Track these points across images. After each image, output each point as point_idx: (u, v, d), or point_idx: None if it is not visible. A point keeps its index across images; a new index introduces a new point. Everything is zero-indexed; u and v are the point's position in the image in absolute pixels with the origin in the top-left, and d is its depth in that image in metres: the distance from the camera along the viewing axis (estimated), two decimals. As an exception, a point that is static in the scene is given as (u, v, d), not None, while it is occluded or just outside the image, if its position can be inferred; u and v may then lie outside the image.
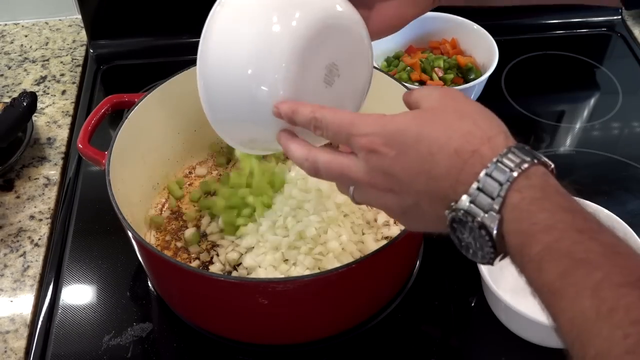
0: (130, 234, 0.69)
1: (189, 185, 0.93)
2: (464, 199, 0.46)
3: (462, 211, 0.46)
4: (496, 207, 0.44)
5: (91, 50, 1.19)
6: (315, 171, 0.54)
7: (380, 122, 0.50)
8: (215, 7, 0.59)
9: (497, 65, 1.00)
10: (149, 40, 1.19)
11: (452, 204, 0.47)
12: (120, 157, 0.76)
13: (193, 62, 0.86)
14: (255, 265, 0.80)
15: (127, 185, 0.79)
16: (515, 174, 0.44)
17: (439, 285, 0.82)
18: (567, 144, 1.03)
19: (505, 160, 0.45)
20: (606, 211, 0.79)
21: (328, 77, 0.58)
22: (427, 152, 0.47)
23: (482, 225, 0.45)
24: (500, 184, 0.44)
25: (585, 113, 1.08)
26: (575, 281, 0.40)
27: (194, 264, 0.83)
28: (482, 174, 0.45)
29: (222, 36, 0.57)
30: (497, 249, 0.45)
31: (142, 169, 0.86)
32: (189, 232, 0.86)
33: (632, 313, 0.38)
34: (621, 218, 0.78)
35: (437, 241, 0.85)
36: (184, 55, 1.10)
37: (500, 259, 0.47)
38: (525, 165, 0.45)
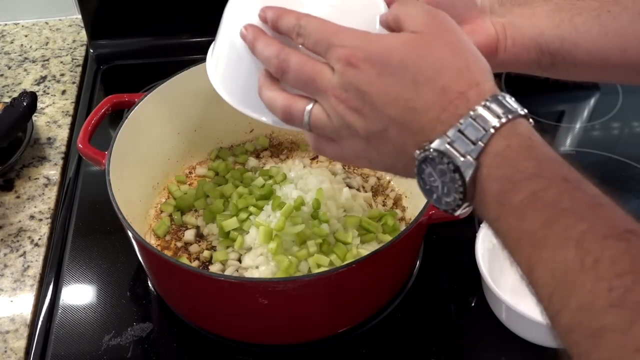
0: (130, 234, 0.69)
1: (189, 185, 0.93)
2: (441, 140, 0.44)
3: (436, 152, 0.44)
4: (475, 153, 0.43)
5: (91, 50, 1.19)
6: (283, 71, 0.50)
7: (365, 37, 0.47)
8: None
9: (497, 65, 1.00)
10: (149, 40, 1.19)
11: (426, 143, 0.45)
12: (120, 157, 0.77)
13: (193, 62, 0.87)
14: (254, 265, 0.80)
15: (127, 185, 0.79)
16: (502, 120, 0.43)
17: (439, 285, 0.82)
18: (567, 144, 1.03)
19: (493, 106, 0.44)
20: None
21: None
22: (411, 80, 0.45)
23: (457, 169, 0.44)
24: (485, 130, 0.43)
25: (585, 113, 1.08)
26: (560, 231, 0.40)
27: (194, 264, 0.83)
28: (465, 117, 0.44)
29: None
30: (467, 196, 0.44)
31: (142, 168, 0.86)
32: (189, 232, 0.86)
33: (617, 265, 0.37)
34: (621, 218, 0.78)
35: (437, 241, 0.85)
36: (184, 55, 1.11)
37: (464, 209, 0.46)
38: (511, 115, 0.44)
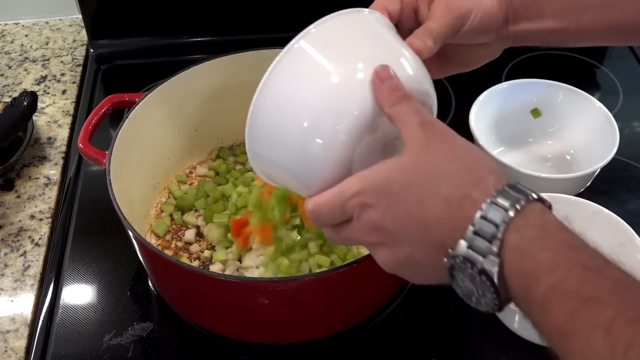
0: (130, 234, 0.69)
1: (189, 184, 0.93)
2: (462, 245, 0.44)
3: (460, 258, 0.45)
4: (495, 249, 0.43)
5: (91, 50, 1.19)
6: (332, 242, 0.55)
7: (362, 178, 0.49)
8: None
9: (498, 66, 1.00)
10: (149, 40, 1.19)
11: (450, 250, 0.45)
12: (120, 157, 0.77)
13: (193, 62, 0.87)
14: (254, 265, 0.80)
15: (128, 185, 0.79)
16: (511, 213, 0.43)
17: (440, 284, 0.82)
18: (567, 144, 1.02)
19: (499, 201, 0.44)
20: (606, 211, 0.79)
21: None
22: (416, 200, 0.46)
23: (482, 271, 0.44)
24: (497, 226, 0.43)
25: (586, 113, 1.08)
26: (586, 320, 0.39)
27: (195, 263, 0.83)
28: (476, 216, 0.44)
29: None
30: (501, 294, 0.44)
31: (143, 168, 0.86)
32: (190, 232, 0.86)
33: None
34: (621, 218, 0.78)
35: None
36: (184, 55, 1.11)
37: (505, 306, 0.46)
38: (521, 204, 0.43)
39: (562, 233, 0.43)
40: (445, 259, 0.46)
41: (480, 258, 0.43)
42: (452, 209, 0.45)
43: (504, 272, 0.43)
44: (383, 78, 0.51)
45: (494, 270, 0.43)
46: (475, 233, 0.44)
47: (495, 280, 0.43)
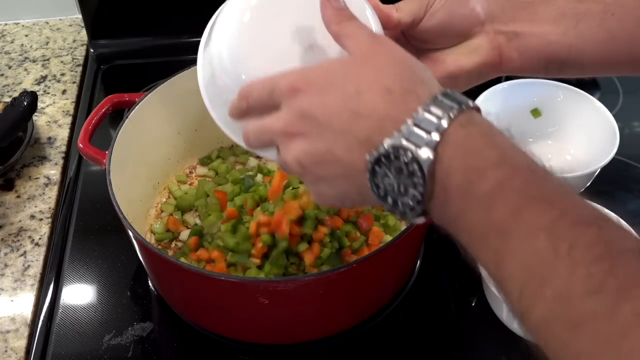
0: (130, 234, 0.69)
1: (189, 184, 0.93)
2: (396, 135, 0.42)
3: (392, 147, 0.42)
4: (433, 143, 0.41)
5: (91, 50, 1.19)
6: (247, 142, 0.54)
7: (300, 70, 0.48)
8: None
9: (498, 65, 1.00)
10: (149, 40, 1.20)
11: (378, 144, 0.43)
12: (120, 157, 0.77)
13: (193, 62, 0.86)
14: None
15: (128, 185, 0.79)
16: (457, 110, 0.42)
17: (439, 285, 0.82)
18: (567, 143, 1.02)
19: (444, 100, 0.43)
20: (606, 211, 0.79)
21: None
22: (354, 90, 0.45)
23: (415, 160, 0.42)
24: (440, 119, 0.42)
25: (586, 113, 1.08)
26: (530, 219, 0.38)
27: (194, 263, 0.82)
28: (417, 110, 0.42)
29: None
30: (426, 191, 0.42)
31: (143, 168, 0.86)
32: (185, 233, 0.85)
33: (592, 250, 0.36)
34: (621, 218, 0.78)
35: (437, 241, 0.85)
36: (184, 55, 1.10)
37: (421, 213, 0.44)
38: (466, 104, 0.43)
39: (506, 137, 0.43)
40: (368, 155, 0.44)
41: (415, 149, 0.42)
42: (393, 100, 0.44)
43: (440, 169, 0.42)
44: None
45: (428, 162, 0.41)
46: (415, 124, 0.42)
47: (426, 172, 0.42)
